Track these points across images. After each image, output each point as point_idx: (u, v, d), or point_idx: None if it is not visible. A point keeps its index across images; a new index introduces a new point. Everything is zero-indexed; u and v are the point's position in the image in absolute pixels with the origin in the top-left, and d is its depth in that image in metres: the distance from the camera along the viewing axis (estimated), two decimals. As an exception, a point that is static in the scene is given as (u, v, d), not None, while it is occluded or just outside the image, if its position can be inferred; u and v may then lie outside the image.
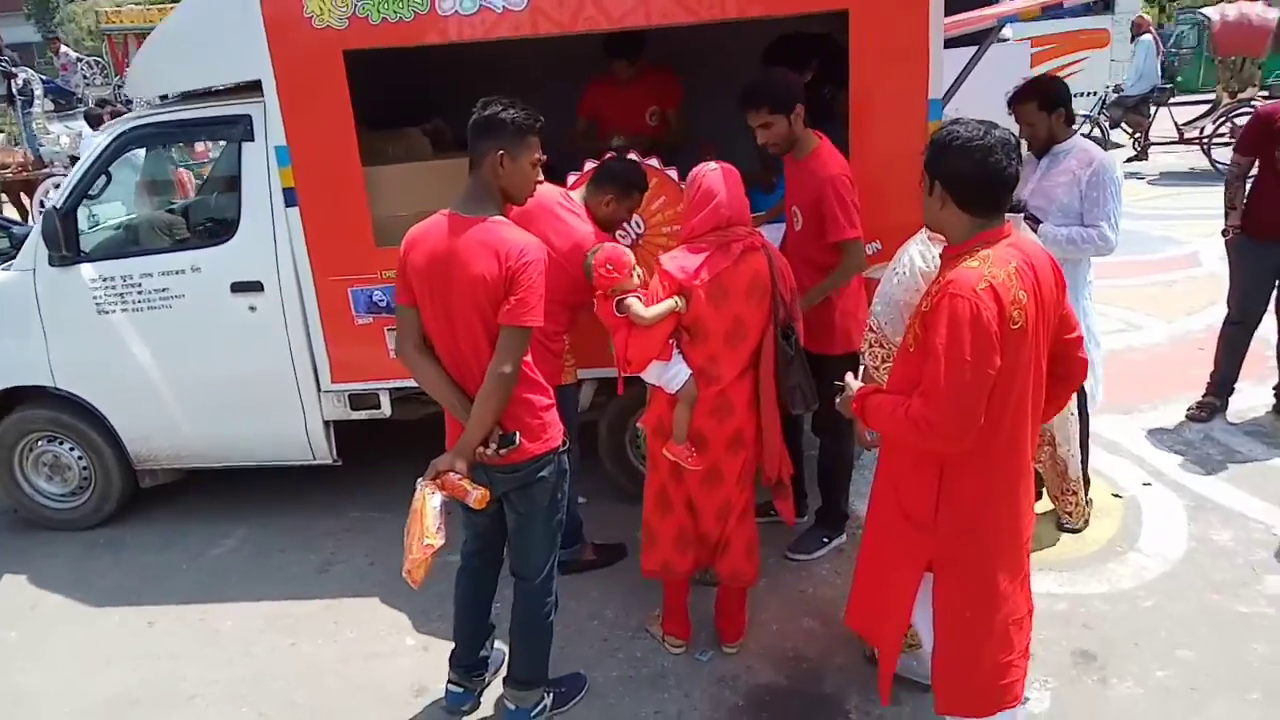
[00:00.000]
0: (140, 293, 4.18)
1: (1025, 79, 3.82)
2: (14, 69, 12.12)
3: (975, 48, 4.06)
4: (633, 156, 3.79)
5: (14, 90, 11.95)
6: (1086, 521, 3.93)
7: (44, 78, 12.16)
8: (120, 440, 4.44)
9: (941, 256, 2.38)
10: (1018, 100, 3.79)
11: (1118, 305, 6.80)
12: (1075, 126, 3.87)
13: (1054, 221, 3.70)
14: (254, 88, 3.86)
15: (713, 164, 3.00)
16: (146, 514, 4.71)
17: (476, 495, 2.55)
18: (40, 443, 4.54)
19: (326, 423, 4.32)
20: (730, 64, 4.71)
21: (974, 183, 2.17)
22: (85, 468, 4.55)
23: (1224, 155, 11.72)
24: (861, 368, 2.99)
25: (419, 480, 2.59)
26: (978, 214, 2.20)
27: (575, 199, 3.48)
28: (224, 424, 4.37)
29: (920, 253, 2.68)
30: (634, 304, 2.95)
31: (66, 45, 13.09)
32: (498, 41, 3.70)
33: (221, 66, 3.94)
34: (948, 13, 3.66)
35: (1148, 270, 7.74)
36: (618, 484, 4.36)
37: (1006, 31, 4.96)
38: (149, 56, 4.15)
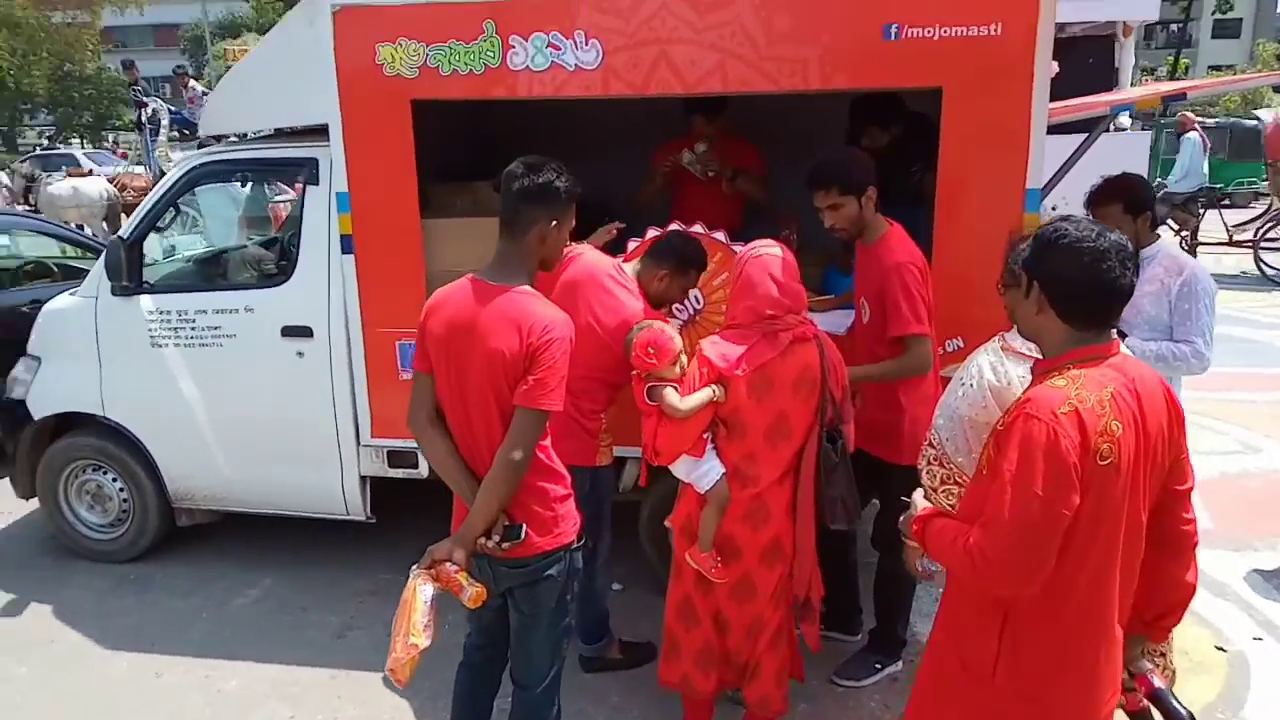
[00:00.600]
0: (193, 328, 4.14)
1: (1104, 177, 3.41)
2: (145, 99, 12.79)
3: (1085, 135, 3.70)
4: (698, 228, 3.57)
5: (144, 119, 12.59)
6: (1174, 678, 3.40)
7: (172, 108, 12.76)
8: (161, 476, 4.37)
9: (1033, 370, 2.06)
10: (1098, 201, 3.36)
11: (1235, 423, 6.19)
12: (1159, 230, 3.48)
13: (1140, 336, 3.31)
14: (323, 132, 3.80)
15: (764, 247, 2.75)
16: (180, 551, 4.63)
17: (472, 593, 2.29)
18: (86, 471, 4.52)
19: (363, 478, 4.16)
20: (814, 136, 4.50)
21: (1079, 289, 1.88)
22: (125, 500, 4.50)
23: (1274, 259, 11.15)
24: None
25: (413, 567, 2.36)
26: (1079, 326, 1.90)
27: (628, 272, 3.26)
28: (262, 469, 4.26)
29: (991, 364, 2.34)
30: (668, 394, 2.70)
31: (195, 79, 13.74)
32: (575, 99, 3.55)
33: (292, 109, 3.91)
34: (1057, 97, 3.34)
35: (1270, 386, 7.07)
36: (658, 573, 4.05)
37: (1123, 119, 4.61)
38: (224, 94, 4.17)
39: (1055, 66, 3.24)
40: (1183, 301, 3.25)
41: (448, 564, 2.32)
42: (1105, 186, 3.38)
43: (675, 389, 2.72)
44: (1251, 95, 21.06)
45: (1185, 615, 2.26)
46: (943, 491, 2.36)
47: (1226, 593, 4.15)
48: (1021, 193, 3.28)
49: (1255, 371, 7.43)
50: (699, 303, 3.60)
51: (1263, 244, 11.44)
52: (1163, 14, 8.71)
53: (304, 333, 4.01)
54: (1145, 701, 2.11)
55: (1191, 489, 2.07)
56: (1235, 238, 11.95)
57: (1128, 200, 3.31)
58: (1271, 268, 11.25)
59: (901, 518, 2.28)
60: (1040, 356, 2.24)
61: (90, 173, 13.93)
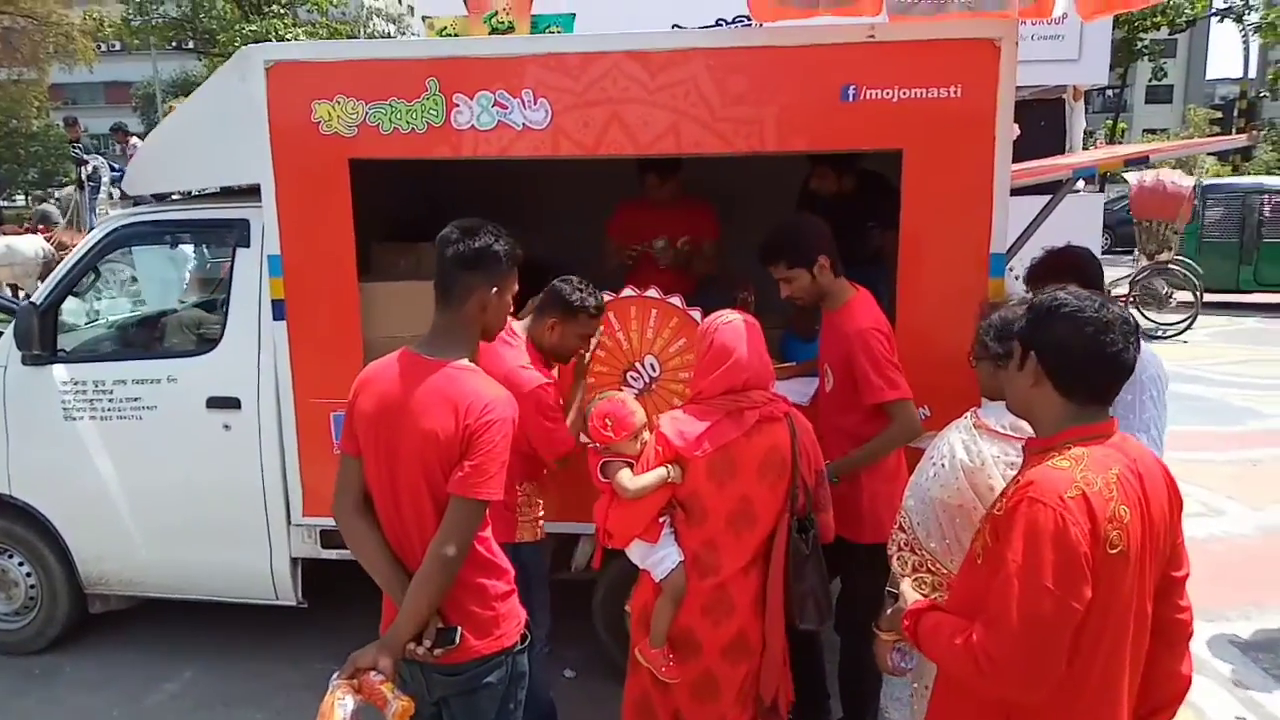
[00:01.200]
0: (111, 400, 3.85)
1: (1046, 250, 3.06)
2: (85, 156, 12.47)
3: (1047, 197, 3.62)
4: (653, 293, 3.40)
5: (83, 176, 12.26)
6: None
7: (114, 165, 12.44)
8: (72, 559, 4.02)
9: (1024, 450, 1.91)
10: (1045, 277, 2.96)
11: (1194, 484, 6.12)
12: None
13: None
14: (254, 192, 3.59)
15: (730, 315, 2.58)
16: (92, 639, 4.26)
17: (397, 708, 2.03)
18: (-11, 553, 4.16)
19: (294, 559, 3.86)
20: (771, 193, 4.41)
21: (1082, 362, 1.75)
22: (32, 586, 4.13)
23: (1148, 316, 11.49)
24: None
25: (332, 677, 2.09)
26: (1079, 401, 1.78)
27: (517, 328, 3.06)
28: (184, 551, 3.94)
29: (964, 442, 2.18)
30: (621, 473, 2.50)
31: (137, 137, 13.45)
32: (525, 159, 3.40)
33: (222, 168, 3.71)
34: (1017, 159, 3.26)
35: (1227, 445, 7.06)
36: (615, 660, 3.79)
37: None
38: (151, 152, 3.95)
39: (1016, 129, 3.16)
40: (1126, 392, 2.98)
41: (371, 673, 2.07)
42: (1051, 262, 3.00)
43: (630, 466, 2.52)
44: (1188, 158, 21.81)
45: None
46: (915, 580, 2.18)
47: (1203, 668, 3.99)
48: (986, 257, 3.17)
49: (1210, 430, 7.43)
50: (655, 370, 3.41)
51: (1138, 298, 11.66)
52: (1098, 80, 8.97)
53: (231, 404, 3.74)
54: None
55: (1187, 576, 1.91)
56: (1113, 293, 12.19)
57: (1079, 279, 2.83)
58: (1150, 320, 11.49)
59: (889, 611, 2.10)
60: (1018, 435, 2.09)
61: (25, 229, 13.47)
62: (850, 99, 3.15)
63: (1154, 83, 33.32)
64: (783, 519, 2.49)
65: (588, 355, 3.20)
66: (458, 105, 3.35)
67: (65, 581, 4.06)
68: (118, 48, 34.88)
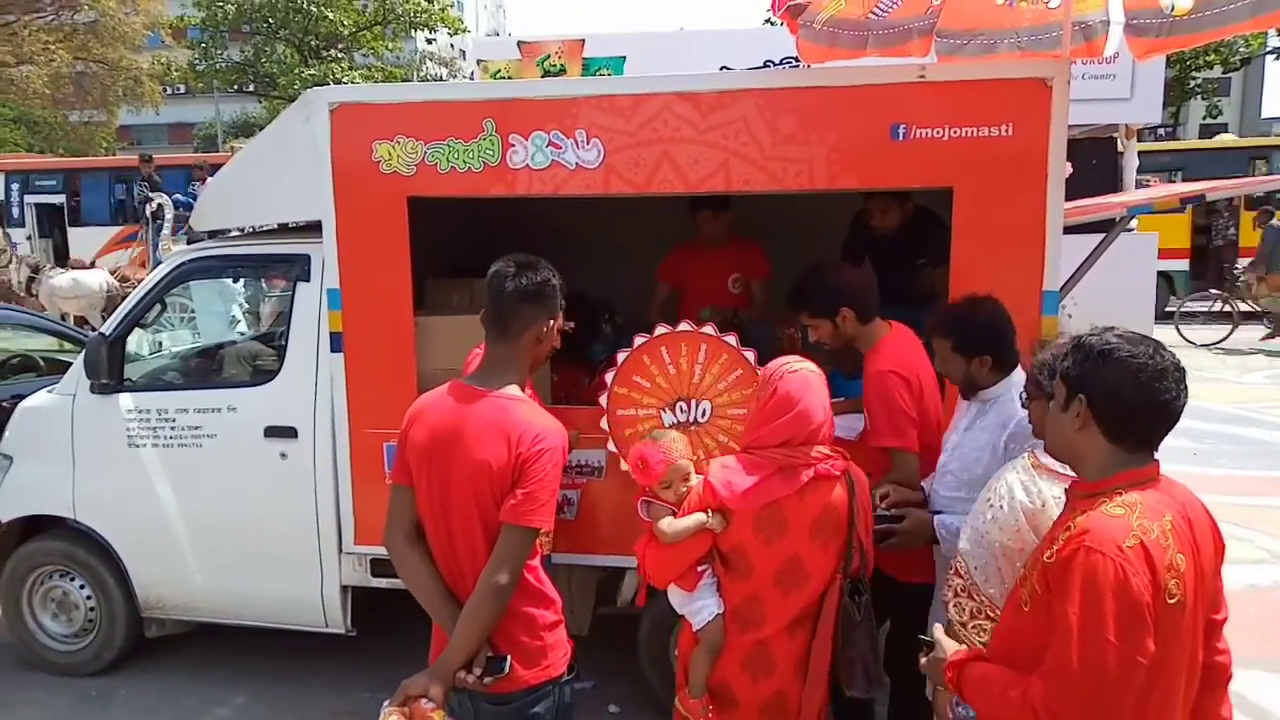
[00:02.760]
0: (173, 428, 3.97)
1: (944, 305, 2.94)
2: (151, 195, 12.92)
3: (1100, 235, 3.60)
4: (708, 329, 3.42)
5: (149, 214, 12.69)
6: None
7: (179, 198, 12.87)
8: (131, 583, 4.13)
9: (1067, 493, 1.88)
10: (931, 331, 2.89)
11: (1258, 530, 5.94)
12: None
13: (945, 489, 2.79)
14: (314, 228, 3.70)
15: (796, 364, 2.49)
16: (146, 663, 4.34)
17: None
18: (52, 577, 4.28)
19: (344, 588, 3.91)
20: (819, 228, 4.44)
21: (1133, 409, 1.72)
22: (92, 609, 4.24)
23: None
24: (945, 619, 2.41)
25: (384, 705, 2.12)
26: (1127, 447, 1.74)
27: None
28: (238, 577, 4.02)
29: (1023, 483, 2.15)
30: (660, 516, 2.48)
31: (211, 176, 13.94)
32: (579, 196, 3.47)
33: (285, 204, 3.84)
34: (1069, 197, 3.25)
35: (1292, 490, 6.84)
36: (659, 696, 3.77)
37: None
38: (217, 189, 4.09)
39: (1069, 167, 3.15)
40: (1022, 442, 2.61)
41: (422, 701, 2.09)
42: (940, 316, 2.87)
43: (673, 511, 2.50)
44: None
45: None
46: (973, 627, 2.14)
47: (1266, 717, 3.85)
48: (1039, 295, 3.15)
49: (1271, 475, 7.20)
50: (706, 415, 3.38)
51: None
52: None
53: (288, 433, 3.83)
54: None
55: (1226, 619, 1.89)
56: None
57: (959, 339, 2.76)
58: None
59: (926, 659, 2.06)
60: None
61: (92, 264, 13.96)
62: (900, 138, 3.17)
63: (1208, 120, 32.84)
64: (835, 580, 2.43)
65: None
66: (513, 145, 3.43)
67: (124, 605, 4.16)
68: (182, 90, 36.20)
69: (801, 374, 2.44)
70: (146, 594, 4.13)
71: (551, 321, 2.30)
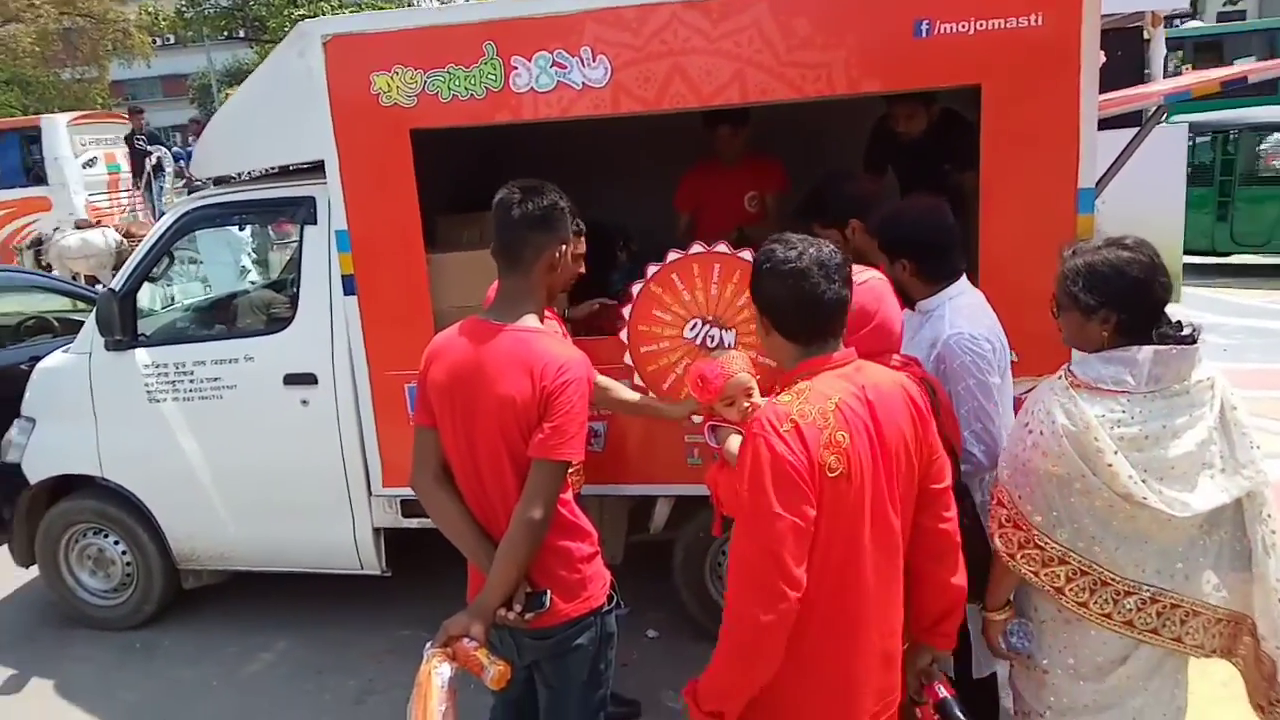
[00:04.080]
0: (192, 381, 3.92)
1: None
2: (150, 148, 12.73)
3: (1129, 130, 3.43)
4: (722, 248, 3.31)
5: (149, 169, 12.54)
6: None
7: (178, 151, 12.70)
8: (164, 537, 4.14)
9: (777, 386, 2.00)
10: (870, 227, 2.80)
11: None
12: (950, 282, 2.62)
13: None
14: (320, 169, 3.59)
15: (864, 272, 2.27)
16: (187, 615, 4.39)
17: (494, 673, 2.03)
18: (86, 535, 4.30)
19: (376, 530, 3.91)
20: (841, 139, 4.28)
21: (788, 309, 1.92)
22: (128, 564, 4.27)
23: None
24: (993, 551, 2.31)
25: (426, 646, 2.10)
26: (803, 342, 1.93)
27: None
28: (270, 525, 4.02)
29: (1063, 405, 2.04)
30: (730, 438, 2.36)
31: (206, 127, 13.71)
32: (588, 118, 3.33)
33: (285, 146, 3.70)
34: (1102, 89, 3.08)
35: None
36: (695, 619, 3.77)
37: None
38: (214, 134, 3.97)
39: (1103, 56, 2.98)
40: (945, 384, 2.45)
41: (465, 640, 2.07)
42: (877, 211, 2.81)
43: (739, 433, 2.37)
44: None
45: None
46: (1023, 558, 2.07)
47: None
48: (1073, 194, 3.01)
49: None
50: (724, 333, 3.30)
51: None
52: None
53: (308, 380, 3.78)
54: (934, 713, 2.05)
55: (949, 487, 2.02)
56: None
57: (880, 240, 2.67)
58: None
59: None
60: (1119, 388, 2.00)
61: (98, 223, 13.86)
62: (923, 34, 3.00)
63: (1227, 8, 31.69)
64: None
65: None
66: (516, 68, 3.28)
67: (159, 559, 4.18)
68: (172, 41, 35.56)
69: (871, 284, 2.26)
70: (180, 546, 4.15)
71: (564, 246, 2.21)
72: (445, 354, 2.19)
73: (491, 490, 2.14)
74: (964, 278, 2.62)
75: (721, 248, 3.33)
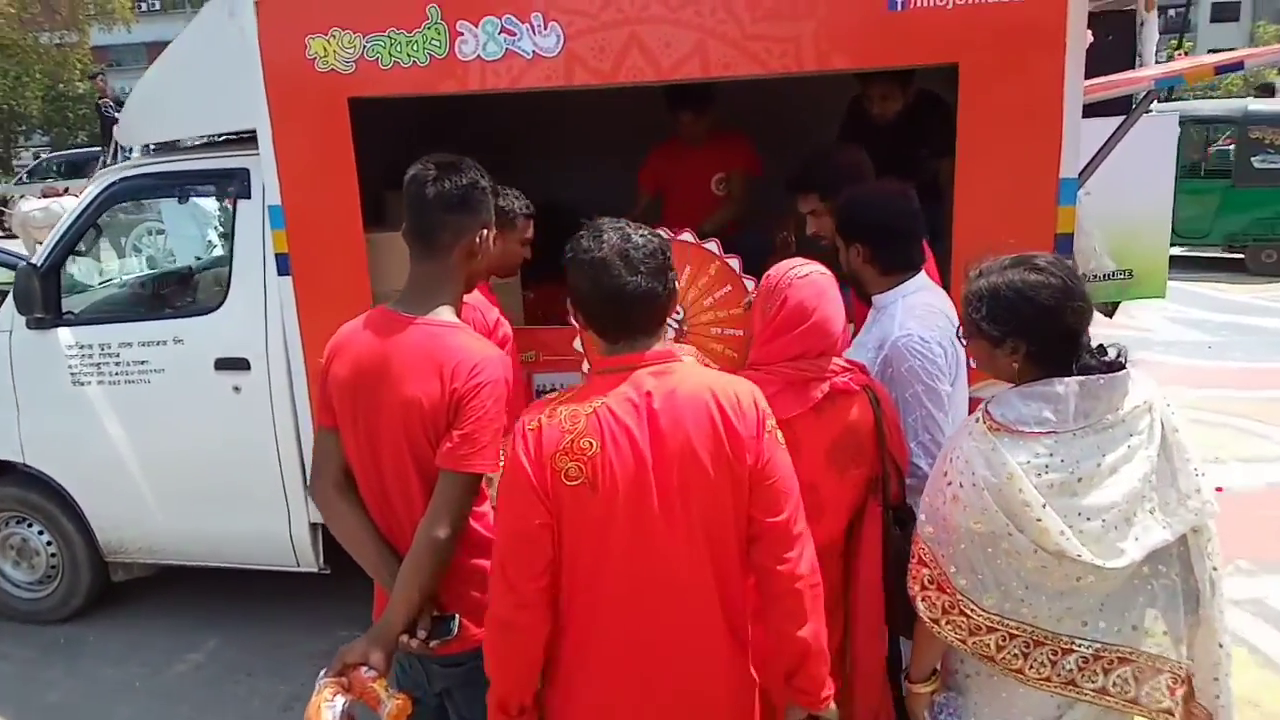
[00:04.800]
0: (118, 364, 3.69)
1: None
2: (117, 115, 12.37)
3: (1117, 119, 3.22)
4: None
5: (115, 134, 12.19)
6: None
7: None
8: (90, 528, 3.91)
9: None
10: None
11: (1278, 425, 5.69)
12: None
13: None
14: (254, 138, 3.33)
15: (805, 266, 2.12)
16: (116, 609, 4.17)
17: (392, 707, 1.82)
18: (9, 524, 4.06)
19: (314, 525, 3.69)
20: (813, 121, 4.07)
21: (591, 302, 1.77)
22: (54, 555, 4.03)
23: None
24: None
25: (320, 676, 1.88)
26: (608, 339, 1.78)
27: None
28: (201, 518, 3.80)
29: (982, 453, 1.79)
30: None
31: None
32: (550, 92, 3.11)
33: (215, 113, 3.46)
34: (1086, 74, 2.87)
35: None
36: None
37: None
38: (139, 100, 3.71)
39: (1090, 36, 2.76)
40: (891, 390, 2.23)
41: (362, 669, 1.85)
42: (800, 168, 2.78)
43: None
44: (1253, 75, 20.56)
45: (1228, 659, 1.87)
46: (947, 624, 1.85)
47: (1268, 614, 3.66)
48: (1055, 183, 2.80)
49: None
50: (679, 318, 3.10)
51: None
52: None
53: (240, 365, 3.55)
54: None
55: (784, 524, 1.72)
56: None
57: (838, 221, 2.49)
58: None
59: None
60: (1042, 429, 1.81)
61: (66, 191, 13.52)
62: (898, 8, 2.77)
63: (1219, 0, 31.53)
64: (870, 511, 2.12)
65: None
66: (462, 34, 3.04)
67: (86, 550, 3.95)
68: (156, 6, 34.90)
69: (812, 278, 2.07)
70: (107, 538, 3.92)
71: (485, 231, 1.98)
72: (348, 348, 1.97)
73: (396, 501, 1.93)
74: (923, 274, 2.41)
75: (686, 236, 3.11)
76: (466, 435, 1.81)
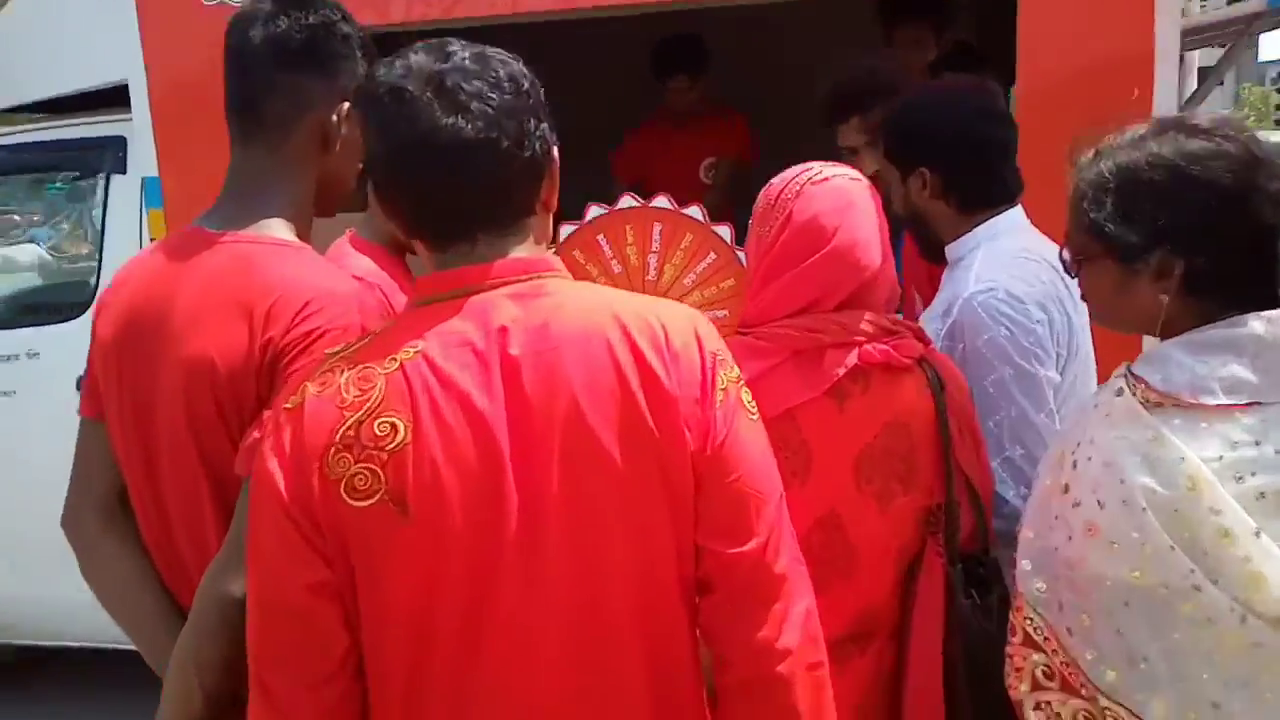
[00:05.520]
0: (-42, 385, 2.97)
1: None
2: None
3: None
4: (661, 201, 2.43)
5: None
6: None
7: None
8: (-76, 593, 3.14)
9: None
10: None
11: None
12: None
13: None
14: (126, 98, 2.70)
15: (826, 169, 1.39)
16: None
17: None
18: None
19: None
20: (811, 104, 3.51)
21: (383, 172, 1.03)
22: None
23: None
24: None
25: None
26: (429, 247, 1.05)
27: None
28: (63, 583, 3.00)
29: (1143, 452, 1.02)
30: None
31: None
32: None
33: (78, 64, 2.84)
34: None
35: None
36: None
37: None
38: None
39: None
40: (968, 369, 1.50)
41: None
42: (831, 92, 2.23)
43: None
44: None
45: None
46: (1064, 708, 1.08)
47: None
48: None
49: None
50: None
51: None
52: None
53: (109, 384, 2.83)
54: None
55: (755, 556, 0.98)
56: None
57: (886, 139, 1.76)
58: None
59: None
60: (1232, 400, 1.07)
61: None
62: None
63: (1203, 65, 32.19)
64: (930, 561, 1.35)
65: None
66: (383, -50, 2.45)
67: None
68: None
69: (835, 183, 1.36)
70: (-62, 611, 3.14)
71: (345, 106, 1.25)
72: (123, 290, 1.25)
73: (179, 531, 1.18)
74: (1019, 209, 1.69)
75: (661, 201, 2.44)
76: (284, 413, 1.08)
